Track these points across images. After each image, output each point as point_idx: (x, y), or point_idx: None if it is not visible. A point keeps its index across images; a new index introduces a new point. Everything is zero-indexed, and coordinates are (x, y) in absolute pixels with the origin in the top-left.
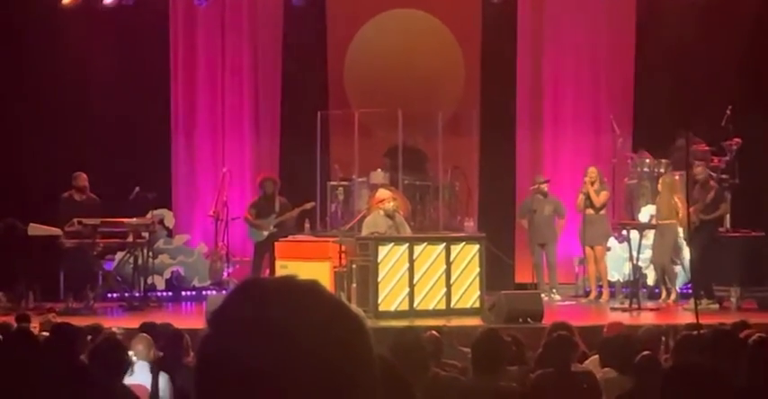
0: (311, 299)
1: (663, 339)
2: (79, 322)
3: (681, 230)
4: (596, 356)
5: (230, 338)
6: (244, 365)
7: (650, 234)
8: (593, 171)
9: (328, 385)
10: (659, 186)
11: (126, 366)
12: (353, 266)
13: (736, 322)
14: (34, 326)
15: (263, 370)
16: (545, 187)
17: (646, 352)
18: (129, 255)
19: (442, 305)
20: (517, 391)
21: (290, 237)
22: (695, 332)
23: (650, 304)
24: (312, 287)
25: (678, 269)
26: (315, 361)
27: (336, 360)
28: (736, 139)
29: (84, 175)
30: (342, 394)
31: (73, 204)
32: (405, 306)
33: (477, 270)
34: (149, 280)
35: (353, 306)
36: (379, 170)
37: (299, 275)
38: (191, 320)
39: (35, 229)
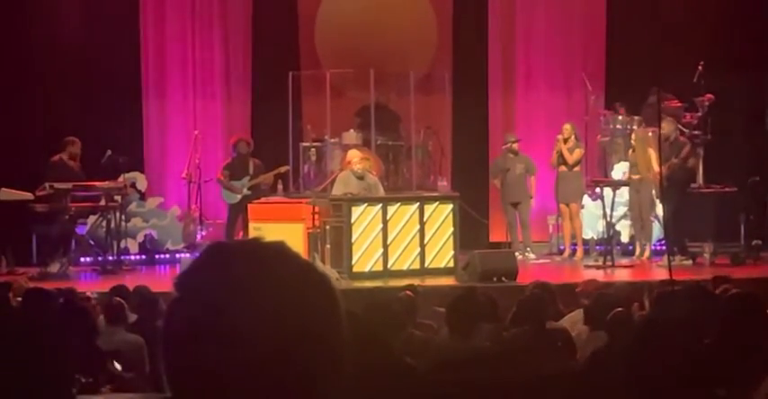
0: (277, 260)
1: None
2: (53, 286)
3: (655, 186)
4: (573, 313)
5: (197, 301)
6: (212, 327)
7: (624, 191)
8: (567, 128)
9: (296, 344)
10: (632, 141)
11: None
12: (327, 227)
13: (715, 276)
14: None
15: (231, 332)
16: (516, 146)
17: (619, 309)
18: (101, 219)
19: (417, 265)
20: (491, 350)
21: (264, 199)
22: (671, 289)
23: (624, 261)
24: (278, 248)
25: (653, 224)
26: (282, 321)
27: (304, 320)
28: (708, 95)
29: (79, 142)
30: (310, 353)
31: (64, 168)
32: (379, 267)
33: (451, 229)
34: (122, 244)
35: (324, 266)
36: (352, 130)
37: (266, 237)
38: (165, 283)
39: (5, 194)
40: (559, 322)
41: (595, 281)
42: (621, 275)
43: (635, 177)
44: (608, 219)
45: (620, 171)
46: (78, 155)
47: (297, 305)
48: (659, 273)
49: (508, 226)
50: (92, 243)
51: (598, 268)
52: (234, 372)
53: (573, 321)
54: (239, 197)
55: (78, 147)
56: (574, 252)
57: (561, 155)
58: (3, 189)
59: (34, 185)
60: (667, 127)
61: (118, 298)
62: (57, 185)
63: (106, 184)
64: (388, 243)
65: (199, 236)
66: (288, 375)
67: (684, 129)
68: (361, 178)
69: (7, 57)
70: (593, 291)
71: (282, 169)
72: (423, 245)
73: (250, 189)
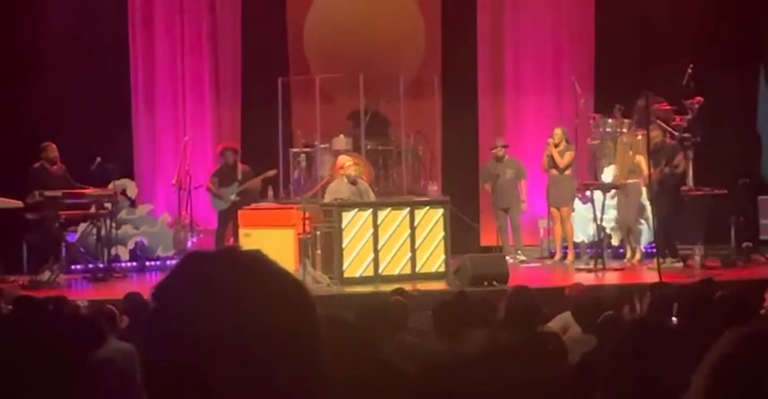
0: (253, 269)
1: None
2: (44, 294)
3: (644, 189)
4: (561, 315)
5: (175, 311)
6: (189, 336)
7: (615, 194)
8: (557, 132)
9: (273, 351)
10: (618, 145)
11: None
12: (318, 233)
13: (703, 279)
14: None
15: (209, 340)
16: (502, 151)
17: (609, 312)
18: (91, 226)
19: (408, 270)
20: (480, 354)
21: (254, 205)
22: (665, 292)
23: (615, 264)
24: (254, 257)
25: (643, 228)
26: (259, 329)
27: (280, 327)
28: (698, 98)
29: (54, 146)
30: (287, 359)
31: (45, 174)
32: (370, 272)
33: (442, 234)
34: (113, 251)
35: (314, 272)
36: (342, 136)
37: (256, 243)
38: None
39: None
40: (548, 324)
41: (580, 285)
42: (612, 278)
43: (621, 181)
44: (598, 222)
45: (610, 174)
46: (57, 159)
47: (273, 313)
48: (650, 276)
49: (499, 230)
50: (82, 250)
51: (589, 271)
52: (212, 381)
53: (563, 323)
54: (228, 204)
55: (53, 151)
56: (565, 255)
57: (552, 158)
58: None
59: (23, 193)
60: (654, 132)
61: (110, 306)
62: (47, 193)
63: (96, 192)
64: (379, 248)
65: (189, 243)
66: (266, 382)
67: (674, 132)
68: (353, 183)
69: None
70: (579, 294)
71: (270, 173)
72: (414, 250)
73: (239, 195)
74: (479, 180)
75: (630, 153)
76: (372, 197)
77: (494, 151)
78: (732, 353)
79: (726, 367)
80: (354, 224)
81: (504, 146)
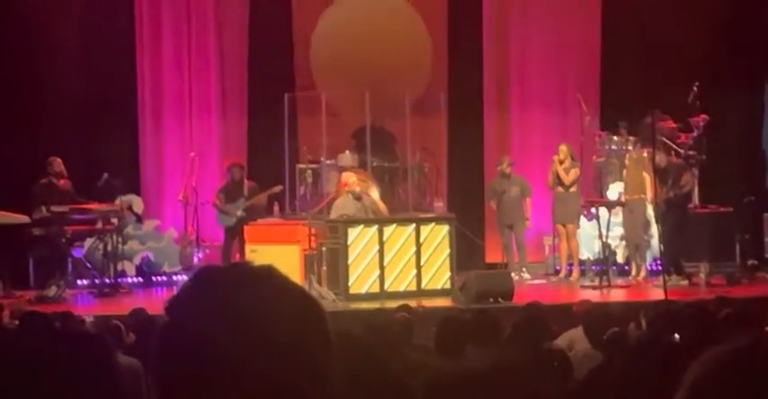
0: (265, 284)
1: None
2: (50, 310)
3: (649, 207)
4: (569, 332)
5: (188, 325)
6: (202, 351)
7: (619, 211)
8: (563, 149)
9: (285, 366)
10: (626, 161)
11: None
12: (323, 249)
13: (715, 298)
14: (5, 315)
15: (221, 355)
16: (508, 169)
17: (615, 328)
18: (98, 242)
19: (413, 287)
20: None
21: (260, 221)
22: (668, 309)
23: (620, 281)
24: (266, 271)
25: (649, 244)
26: (271, 344)
27: (293, 342)
28: (704, 116)
29: (60, 160)
30: (299, 375)
31: (52, 189)
32: (376, 288)
33: (448, 250)
34: (119, 267)
35: (320, 288)
36: (348, 152)
37: (262, 259)
38: (162, 306)
39: (1, 217)
40: (556, 341)
41: (588, 301)
42: (617, 295)
43: (628, 198)
44: (604, 240)
45: (615, 191)
46: (64, 174)
47: (286, 328)
48: (655, 293)
49: (504, 247)
50: (88, 265)
51: (594, 288)
52: (225, 395)
53: (570, 339)
54: (234, 219)
55: (59, 165)
56: (570, 272)
57: (557, 175)
58: None
59: (30, 208)
60: (660, 156)
61: (116, 321)
62: (53, 208)
63: (103, 207)
64: (385, 264)
65: (195, 259)
66: (279, 396)
67: (679, 150)
68: (358, 199)
69: (3, 81)
70: (585, 311)
71: (276, 189)
72: (419, 267)
73: (245, 210)
74: (485, 197)
75: (637, 170)
76: (382, 208)
77: (500, 168)
78: (713, 371)
79: (706, 385)
80: (360, 240)
81: (511, 164)
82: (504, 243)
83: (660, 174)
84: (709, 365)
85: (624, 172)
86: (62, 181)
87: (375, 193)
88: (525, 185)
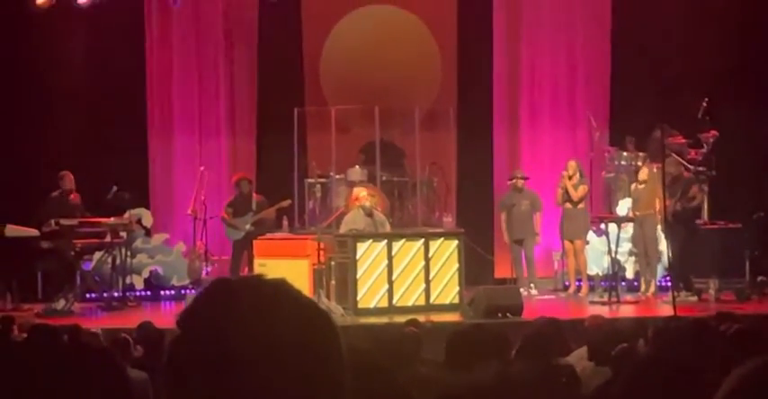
0: (278, 298)
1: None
2: (58, 323)
3: (659, 222)
4: (580, 349)
5: (200, 338)
6: (214, 364)
7: (629, 227)
8: (572, 164)
9: (298, 379)
10: (642, 175)
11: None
12: (332, 263)
13: (719, 313)
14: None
15: (233, 368)
16: (519, 182)
17: (624, 344)
18: (107, 255)
19: (422, 302)
20: (492, 385)
21: (269, 235)
22: (673, 325)
23: (629, 297)
24: (279, 285)
25: (658, 260)
26: (284, 357)
27: (305, 357)
28: (713, 132)
29: (71, 175)
30: (312, 387)
31: (62, 203)
32: (384, 303)
33: (456, 265)
34: (128, 280)
35: (329, 302)
36: (357, 167)
37: (271, 273)
38: (170, 319)
39: (12, 230)
40: (566, 358)
41: (600, 317)
42: (626, 311)
43: (638, 213)
44: (613, 255)
45: (624, 207)
46: (73, 188)
47: (298, 342)
48: (664, 309)
49: (513, 262)
50: (97, 279)
51: (603, 304)
52: None
53: (580, 356)
54: (243, 233)
55: (69, 180)
56: (579, 288)
57: (566, 191)
58: (9, 225)
59: (39, 222)
60: (671, 166)
61: (124, 334)
62: (63, 222)
63: (112, 220)
64: (394, 279)
65: (204, 272)
66: None
67: (688, 166)
68: (369, 215)
69: (13, 92)
70: (597, 327)
71: (285, 203)
72: (428, 281)
73: (254, 224)
74: (496, 211)
75: (655, 184)
76: (388, 228)
77: (512, 181)
78: (740, 388)
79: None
80: (369, 255)
81: (524, 178)
82: (513, 258)
83: (669, 186)
84: (745, 377)
85: (633, 186)
86: (72, 195)
87: (378, 212)
88: (536, 199)
